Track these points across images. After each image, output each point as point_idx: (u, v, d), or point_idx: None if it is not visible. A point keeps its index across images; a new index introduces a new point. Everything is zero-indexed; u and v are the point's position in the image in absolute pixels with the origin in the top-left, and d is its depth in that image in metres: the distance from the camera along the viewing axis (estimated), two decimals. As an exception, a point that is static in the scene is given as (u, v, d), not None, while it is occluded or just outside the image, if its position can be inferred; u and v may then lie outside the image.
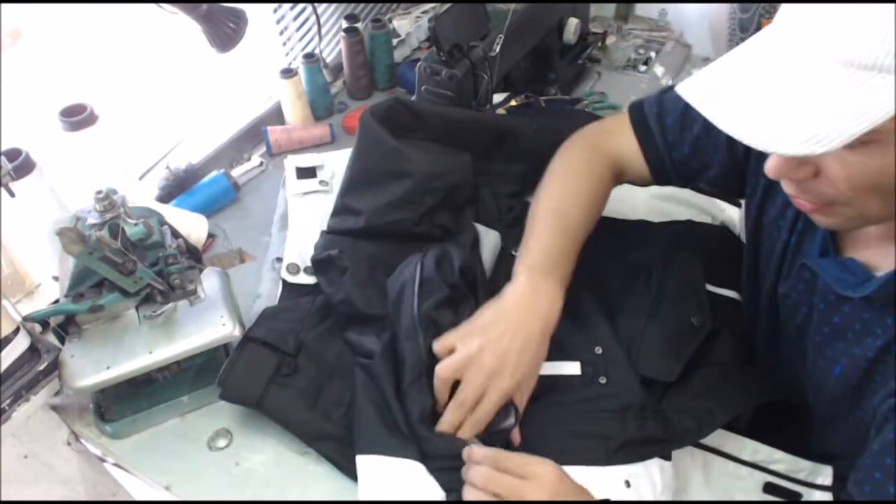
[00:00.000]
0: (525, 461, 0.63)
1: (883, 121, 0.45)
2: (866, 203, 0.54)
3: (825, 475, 0.69)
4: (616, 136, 0.84)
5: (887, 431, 0.57)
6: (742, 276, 0.84)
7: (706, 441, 0.71)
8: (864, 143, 0.48)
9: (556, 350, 0.76)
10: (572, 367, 0.77)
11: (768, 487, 0.70)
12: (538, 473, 0.61)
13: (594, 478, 0.68)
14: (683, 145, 0.79)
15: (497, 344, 0.68)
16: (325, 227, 0.96)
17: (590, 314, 0.80)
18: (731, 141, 0.74)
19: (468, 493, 0.63)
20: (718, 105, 0.51)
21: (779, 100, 0.48)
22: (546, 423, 0.73)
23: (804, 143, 0.46)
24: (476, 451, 0.64)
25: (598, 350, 0.77)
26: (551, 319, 0.73)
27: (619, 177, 0.85)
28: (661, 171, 0.83)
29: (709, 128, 0.74)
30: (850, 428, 0.67)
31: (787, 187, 0.59)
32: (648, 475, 0.69)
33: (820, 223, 0.60)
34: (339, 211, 0.94)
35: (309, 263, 0.92)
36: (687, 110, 0.78)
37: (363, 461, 0.68)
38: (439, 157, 0.96)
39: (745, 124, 0.49)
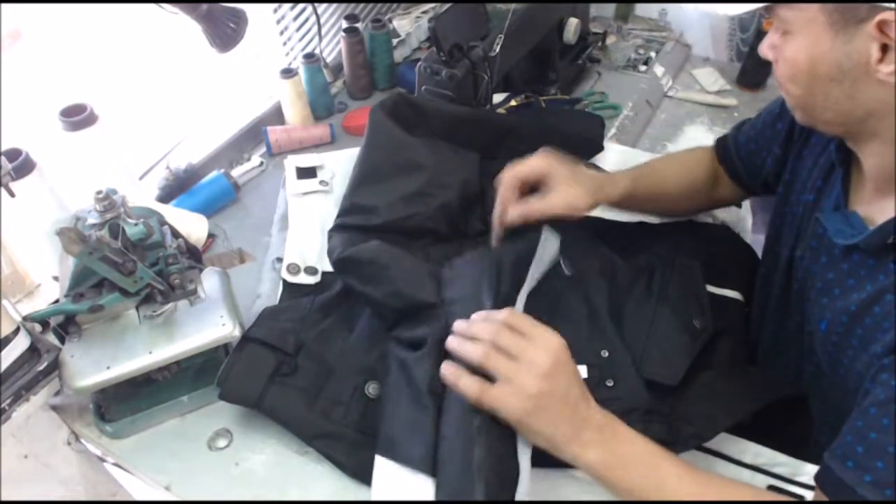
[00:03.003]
0: (535, 324, 0.64)
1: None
2: (793, 92, 0.64)
3: None
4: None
5: (867, 405, 0.56)
6: (763, 254, 0.87)
7: (708, 444, 0.71)
8: (783, 32, 0.62)
9: None
10: (580, 371, 0.76)
11: (770, 490, 0.70)
12: (545, 337, 0.62)
13: None
14: (750, 142, 0.89)
15: None
16: (326, 228, 0.96)
17: (598, 316, 0.80)
18: (780, 132, 0.83)
19: (468, 347, 0.63)
20: None
21: None
22: None
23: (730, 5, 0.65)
24: (490, 312, 0.66)
25: (605, 353, 0.76)
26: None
27: (715, 171, 0.95)
28: (732, 167, 0.92)
29: (767, 124, 0.85)
30: (834, 395, 0.68)
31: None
32: None
33: (789, 107, 0.69)
34: (348, 210, 0.92)
35: (309, 263, 0.92)
36: (757, 123, 0.87)
37: (381, 464, 0.68)
38: (448, 154, 0.96)
39: None
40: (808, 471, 0.69)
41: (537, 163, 0.83)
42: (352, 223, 0.91)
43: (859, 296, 0.63)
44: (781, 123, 0.83)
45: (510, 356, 0.61)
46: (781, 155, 0.83)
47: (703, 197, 0.96)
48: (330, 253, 0.86)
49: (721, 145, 0.93)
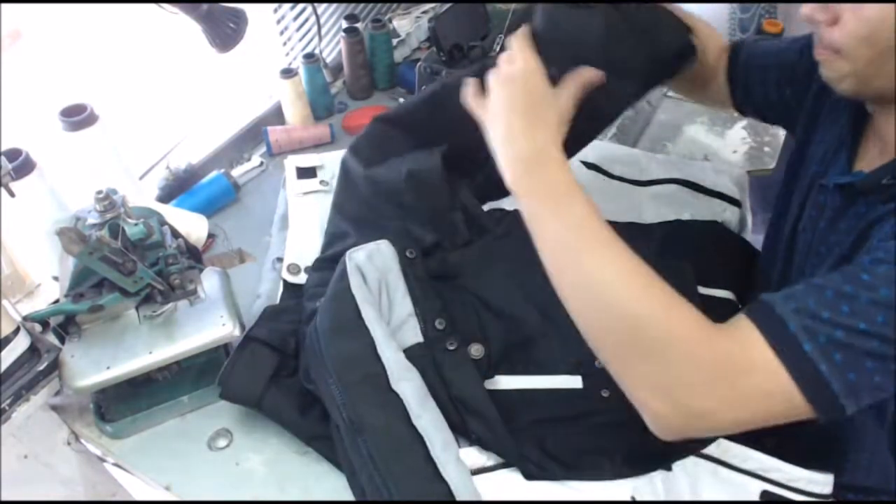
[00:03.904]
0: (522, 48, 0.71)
1: None
2: (860, 56, 0.59)
3: (823, 484, 0.69)
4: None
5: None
6: (764, 239, 0.87)
7: (706, 450, 0.71)
8: None
9: (557, 363, 0.76)
10: (574, 381, 0.76)
11: (765, 496, 0.70)
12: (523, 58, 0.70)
13: (600, 493, 0.68)
14: (757, 57, 0.86)
15: None
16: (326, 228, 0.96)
17: None
18: (802, 83, 0.81)
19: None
20: None
21: None
22: (550, 438, 0.72)
23: None
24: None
25: (598, 364, 0.76)
26: None
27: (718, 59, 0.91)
28: (734, 70, 0.89)
29: (784, 63, 0.83)
30: None
31: (815, 35, 0.64)
32: (652, 487, 0.69)
33: (824, 75, 0.65)
34: (326, 244, 0.93)
35: (309, 263, 0.91)
36: (775, 43, 0.86)
37: None
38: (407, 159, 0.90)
39: None
40: (802, 476, 0.69)
41: None
42: (330, 255, 0.90)
43: (849, 238, 0.64)
44: (799, 58, 0.81)
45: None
46: (797, 103, 0.82)
47: (695, 79, 0.93)
48: (306, 290, 0.87)
49: (732, 50, 0.90)
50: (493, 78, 0.72)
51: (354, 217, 0.92)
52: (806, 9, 0.63)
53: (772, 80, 0.85)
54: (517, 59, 0.71)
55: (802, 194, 0.78)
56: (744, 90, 0.89)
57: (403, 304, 0.78)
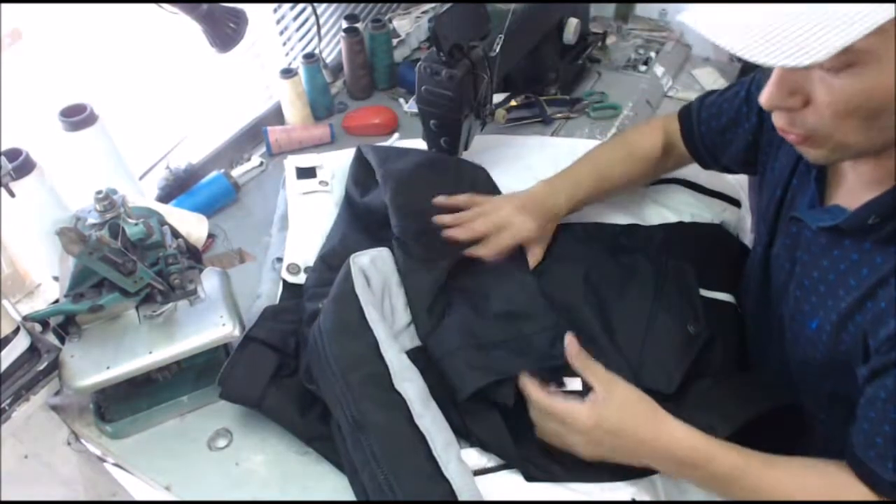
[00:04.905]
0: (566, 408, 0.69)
1: (863, 34, 0.46)
2: (847, 131, 0.55)
3: None
4: (669, 121, 0.96)
5: (879, 394, 0.59)
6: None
7: None
8: (847, 65, 0.50)
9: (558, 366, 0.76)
10: (575, 384, 0.76)
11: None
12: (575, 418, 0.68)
13: (601, 494, 0.68)
14: (711, 120, 0.88)
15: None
16: (326, 228, 0.96)
17: (589, 328, 0.79)
18: (753, 124, 0.82)
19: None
20: (716, 23, 0.52)
21: (770, 14, 0.49)
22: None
23: (792, 55, 0.47)
24: (529, 389, 0.71)
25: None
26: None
27: (668, 148, 0.96)
28: (693, 144, 0.92)
29: (736, 119, 0.85)
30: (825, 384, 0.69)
31: (778, 120, 0.60)
32: (653, 489, 0.70)
33: (807, 156, 0.62)
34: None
35: (309, 263, 0.91)
36: (721, 102, 0.87)
37: None
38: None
39: (739, 39, 0.50)
40: None
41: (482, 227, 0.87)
42: (330, 253, 0.92)
43: (847, 294, 0.62)
44: (748, 108, 0.82)
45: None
46: (753, 141, 0.83)
47: (653, 171, 0.99)
48: (306, 290, 0.88)
49: (685, 125, 0.92)
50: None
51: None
52: (766, 98, 0.57)
53: (739, 137, 0.85)
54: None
55: (769, 219, 0.76)
56: (711, 157, 0.91)
57: (405, 314, 0.80)
